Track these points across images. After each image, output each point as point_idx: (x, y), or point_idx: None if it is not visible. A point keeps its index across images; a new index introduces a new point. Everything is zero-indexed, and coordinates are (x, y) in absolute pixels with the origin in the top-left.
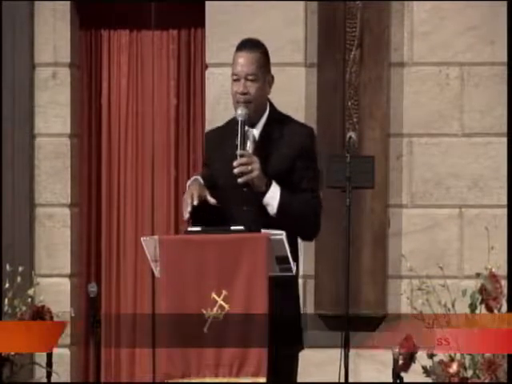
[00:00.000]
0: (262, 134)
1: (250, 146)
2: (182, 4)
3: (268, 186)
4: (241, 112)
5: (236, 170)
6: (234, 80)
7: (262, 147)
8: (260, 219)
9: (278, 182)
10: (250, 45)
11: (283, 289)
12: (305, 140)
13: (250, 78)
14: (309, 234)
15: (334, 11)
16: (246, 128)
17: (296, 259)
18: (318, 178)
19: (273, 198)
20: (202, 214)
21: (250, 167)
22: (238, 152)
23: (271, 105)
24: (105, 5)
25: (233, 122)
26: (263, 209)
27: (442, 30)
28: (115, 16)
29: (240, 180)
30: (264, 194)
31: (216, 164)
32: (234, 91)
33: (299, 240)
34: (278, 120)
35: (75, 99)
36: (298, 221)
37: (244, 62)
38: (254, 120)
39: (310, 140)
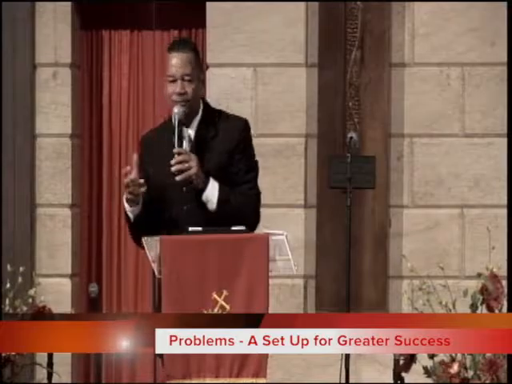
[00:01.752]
0: (197, 133)
1: (186, 145)
2: (182, 4)
3: (206, 183)
4: (177, 110)
5: (174, 168)
6: (170, 81)
7: (199, 145)
8: (200, 217)
9: (217, 178)
10: (183, 45)
11: None
12: (240, 133)
13: (186, 78)
14: (249, 225)
15: (335, 12)
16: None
17: None
18: (254, 169)
19: (212, 194)
20: (144, 218)
21: (187, 164)
22: (175, 150)
23: (205, 103)
24: (105, 5)
25: (167, 123)
26: (203, 206)
27: (443, 31)
28: (116, 16)
29: (178, 178)
30: (203, 190)
31: (153, 165)
32: (169, 92)
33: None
34: (212, 116)
35: (76, 99)
36: (238, 214)
37: (179, 62)
38: (189, 119)
39: (245, 132)
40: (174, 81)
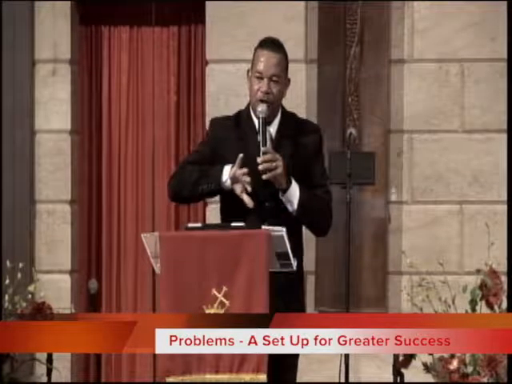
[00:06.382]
0: (277, 133)
1: (269, 144)
2: (182, 0)
3: (289, 184)
4: (261, 109)
5: (261, 167)
6: (257, 77)
7: (279, 145)
8: (278, 216)
9: (295, 179)
10: (276, 45)
11: (290, 285)
12: (316, 138)
13: (274, 78)
14: (324, 228)
15: (335, 8)
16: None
17: (301, 255)
18: (326, 172)
19: (293, 195)
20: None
21: (274, 164)
22: (263, 149)
23: (282, 106)
24: (105, 1)
25: (240, 115)
26: (282, 206)
27: (443, 26)
28: (115, 12)
29: (265, 177)
30: (285, 191)
31: (226, 156)
32: (255, 88)
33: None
34: (290, 119)
35: (75, 95)
36: (315, 217)
37: (270, 62)
38: (270, 119)
39: (319, 137)
40: (260, 78)
